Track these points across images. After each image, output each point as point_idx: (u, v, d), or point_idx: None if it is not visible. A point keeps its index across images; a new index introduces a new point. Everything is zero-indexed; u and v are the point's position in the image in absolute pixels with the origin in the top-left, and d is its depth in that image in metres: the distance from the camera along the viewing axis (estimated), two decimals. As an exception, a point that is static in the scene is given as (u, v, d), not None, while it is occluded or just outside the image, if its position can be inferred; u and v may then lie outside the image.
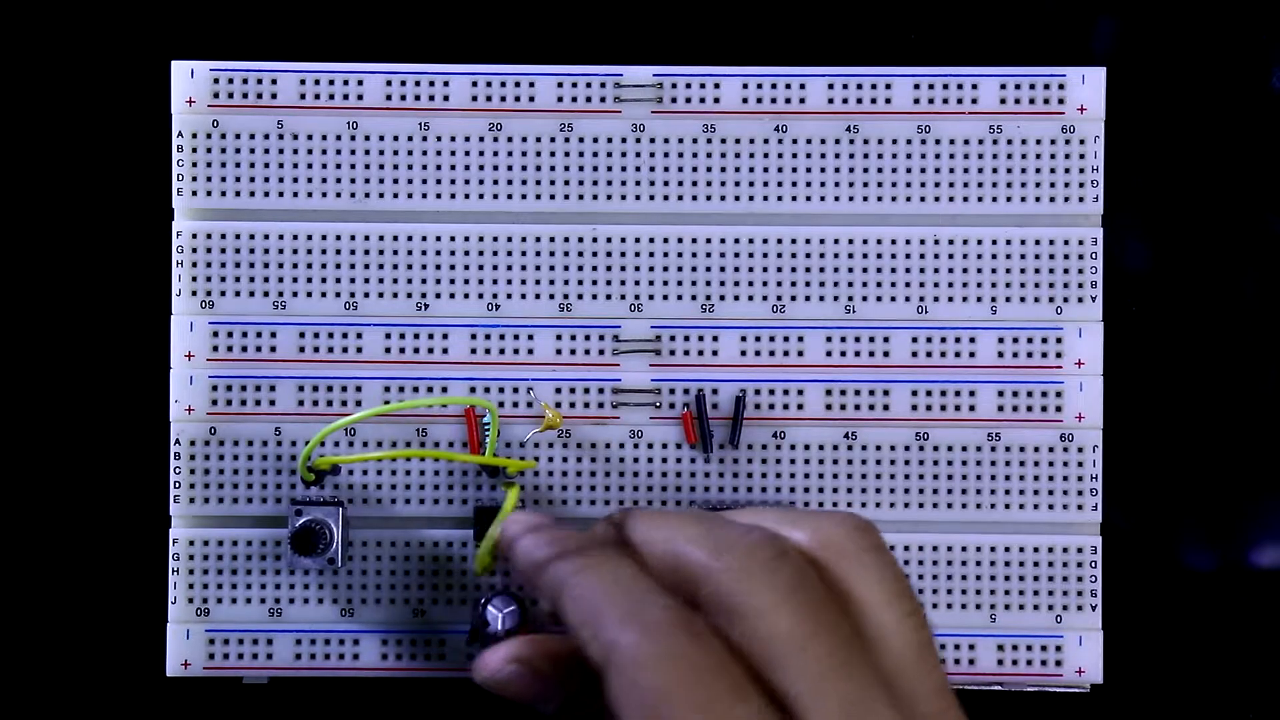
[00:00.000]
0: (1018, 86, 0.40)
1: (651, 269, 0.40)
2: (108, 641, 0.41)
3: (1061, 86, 0.40)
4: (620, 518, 0.33)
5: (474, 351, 0.39)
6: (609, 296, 0.40)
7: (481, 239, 0.39)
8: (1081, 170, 0.40)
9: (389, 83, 0.39)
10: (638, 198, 0.40)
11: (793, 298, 0.40)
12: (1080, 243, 0.40)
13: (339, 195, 0.39)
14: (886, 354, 0.40)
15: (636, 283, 0.40)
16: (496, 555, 0.36)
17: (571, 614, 0.31)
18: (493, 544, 0.36)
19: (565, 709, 0.34)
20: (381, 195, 0.39)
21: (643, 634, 0.29)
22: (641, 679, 0.29)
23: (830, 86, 0.40)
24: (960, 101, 0.40)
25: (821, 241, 0.40)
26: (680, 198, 0.40)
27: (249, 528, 0.39)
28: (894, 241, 0.40)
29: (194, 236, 0.39)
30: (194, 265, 0.39)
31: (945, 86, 0.40)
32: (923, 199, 0.40)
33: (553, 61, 0.40)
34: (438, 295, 0.39)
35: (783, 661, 0.29)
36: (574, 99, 0.40)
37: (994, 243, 0.40)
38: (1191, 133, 0.41)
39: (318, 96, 0.39)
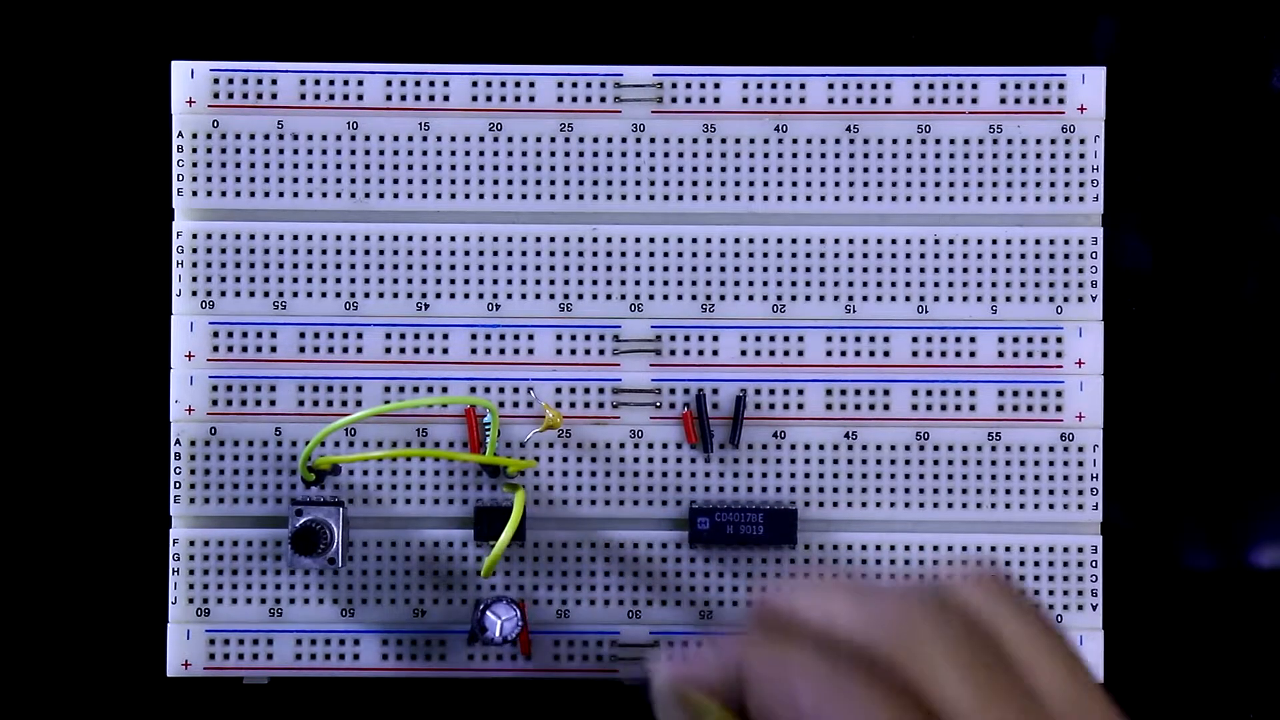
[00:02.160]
0: (1018, 86, 0.40)
1: (651, 269, 0.40)
2: (108, 641, 0.41)
3: (1061, 86, 0.40)
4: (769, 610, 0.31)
5: (474, 351, 0.39)
6: (609, 296, 0.40)
7: (481, 239, 0.39)
8: (1081, 170, 0.40)
9: (389, 83, 0.39)
10: (638, 198, 0.40)
11: (793, 298, 0.40)
12: (1080, 242, 0.40)
13: (339, 195, 0.39)
14: (886, 354, 0.40)
15: (636, 283, 0.40)
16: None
17: (758, 698, 0.29)
18: (502, 550, 0.37)
19: None
20: (381, 195, 0.39)
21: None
22: None
23: (830, 86, 0.40)
24: (960, 101, 0.40)
25: (821, 241, 0.40)
26: (680, 198, 0.40)
27: (249, 528, 0.39)
28: (894, 241, 0.40)
29: (194, 236, 0.39)
30: (194, 265, 0.39)
31: (945, 86, 0.40)
32: (923, 199, 0.40)
33: (553, 61, 0.40)
34: (438, 295, 0.39)
35: None
36: (574, 99, 0.40)
37: (994, 242, 0.40)
38: (1191, 133, 0.41)
39: (318, 96, 0.39)
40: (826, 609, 0.30)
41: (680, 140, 0.40)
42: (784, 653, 0.30)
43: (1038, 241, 0.40)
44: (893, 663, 0.29)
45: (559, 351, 0.40)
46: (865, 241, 0.40)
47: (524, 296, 0.39)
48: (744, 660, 0.30)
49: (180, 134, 0.39)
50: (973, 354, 0.40)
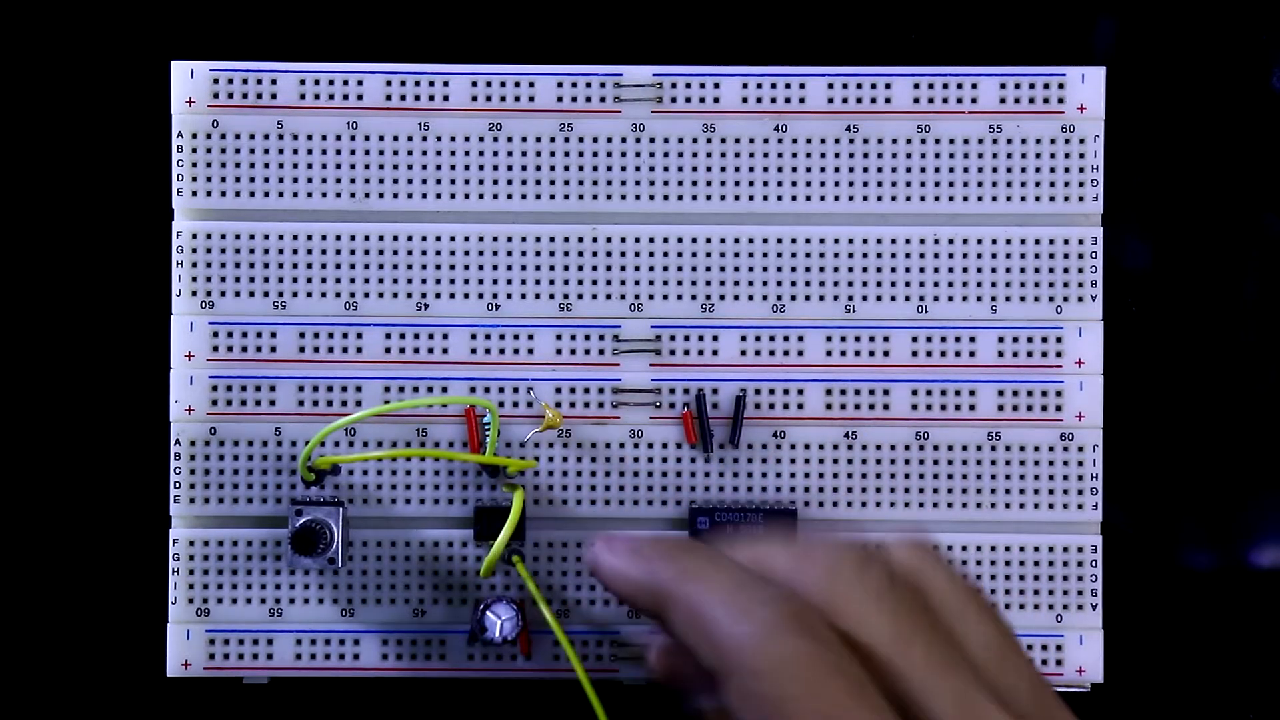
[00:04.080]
0: (1017, 86, 0.40)
1: (651, 269, 0.40)
2: (108, 641, 0.41)
3: (1061, 86, 0.40)
4: (691, 545, 0.32)
5: (474, 351, 0.39)
6: (609, 296, 0.40)
7: (481, 239, 0.39)
8: (1081, 170, 0.40)
9: (389, 83, 0.39)
10: (638, 198, 0.40)
11: (793, 297, 0.40)
12: (1080, 242, 0.40)
13: (339, 195, 0.39)
14: (886, 354, 0.40)
15: (636, 283, 0.40)
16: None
17: (679, 624, 0.30)
18: (501, 549, 0.37)
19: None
20: (381, 195, 0.39)
21: (756, 636, 0.28)
22: (754, 688, 0.28)
23: (830, 86, 0.40)
24: (960, 101, 0.40)
25: (821, 241, 0.40)
26: (680, 198, 0.40)
27: (249, 528, 0.39)
28: (894, 241, 0.40)
29: (194, 236, 0.39)
30: (194, 265, 0.39)
31: (945, 86, 0.40)
32: (923, 199, 0.40)
33: (553, 61, 0.40)
34: (438, 295, 0.39)
35: (889, 661, 0.29)
36: (574, 99, 0.40)
37: (994, 242, 0.40)
38: (1191, 133, 0.41)
39: (318, 96, 0.39)
40: (757, 551, 0.31)
41: (680, 140, 0.40)
42: (701, 564, 0.30)
43: (1037, 241, 0.40)
44: (815, 599, 0.29)
45: (559, 351, 0.40)
46: (865, 241, 0.40)
47: (524, 296, 0.39)
48: (666, 576, 0.30)
49: (180, 134, 0.39)
50: (972, 354, 0.40)
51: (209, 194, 0.39)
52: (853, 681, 0.28)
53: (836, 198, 0.40)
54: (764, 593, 0.29)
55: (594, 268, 0.40)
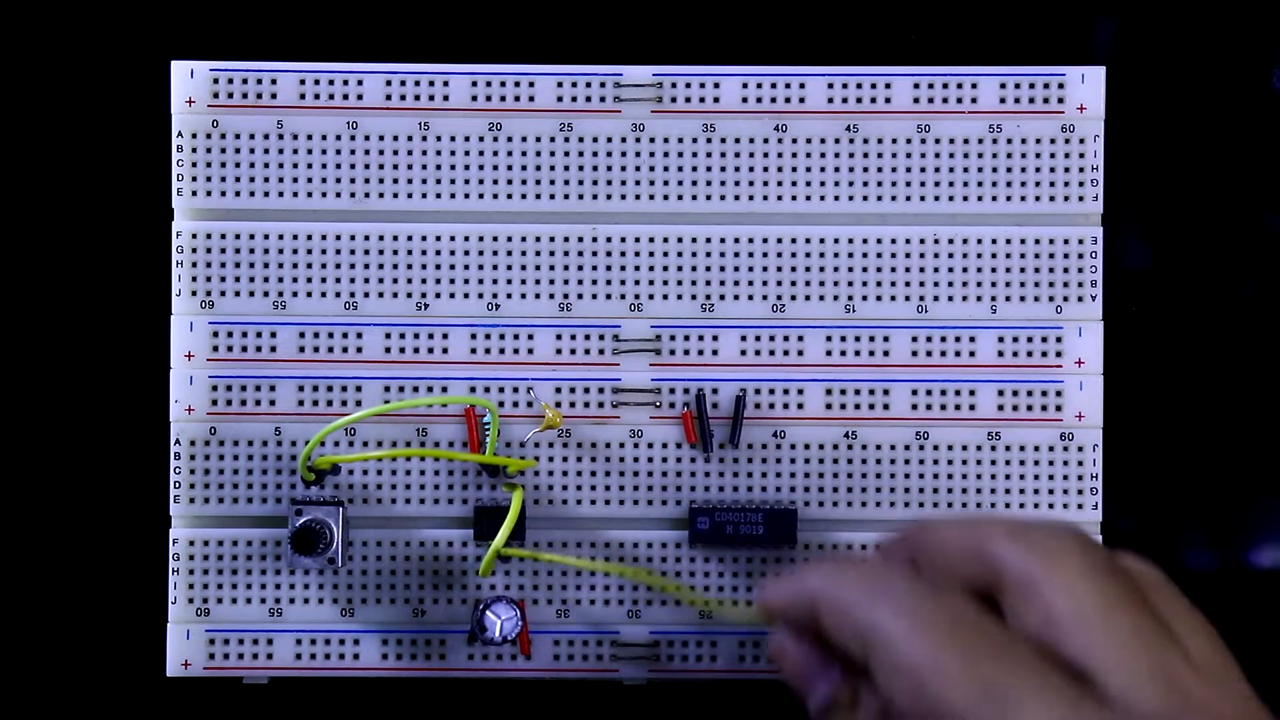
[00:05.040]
0: (1017, 86, 0.40)
1: (651, 269, 0.40)
2: (108, 641, 0.41)
3: (1061, 86, 0.40)
4: (907, 534, 0.32)
5: (474, 351, 0.39)
6: (609, 296, 0.40)
7: (481, 239, 0.39)
8: (1081, 170, 0.40)
9: (389, 83, 0.39)
10: (638, 197, 0.40)
11: (793, 297, 0.40)
12: (1080, 242, 0.40)
13: (339, 195, 0.39)
14: (886, 354, 0.40)
15: (636, 282, 0.40)
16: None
17: (827, 617, 0.30)
18: (499, 548, 0.37)
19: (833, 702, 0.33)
20: (381, 195, 0.39)
21: (895, 609, 0.28)
22: (901, 655, 0.28)
23: (830, 86, 0.40)
24: (960, 101, 0.40)
25: (821, 241, 0.40)
26: (680, 197, 0.40)
27: (249, 528, 0.39)
28: (894, 241, 0.40)
29: (194, 236, 0.39)
30: (194, 265, 0.39)
31: (945, 86, 0.40)
32: (922, 199, 0.40)
33: (553, 61, 0.40)
34: (438, 295, 0.39)
35: (1087, 632, 0.28)
36: (574, 99, 0.40)
37: (994, 242, 0.40)
38: (1191, 133, 0.41)
39: (318, 96, 0.39)
40: (966, 528, 0.30)
41: (680, 140, 0.40)
42: (849, 566, 0.30)
43: (1037, 241, 0.40)
44: (1020, 566, 0.29)
45: (559, 351, 0.40)
46: (865, 241, 0.40)
47: (524, 296, 0.39)
48: (824, 586, 0.30)
49: (180, 134, 0.39)
50: (972, 354, 0.40)
51: (209, 194, 0.39)
52: (1004, 641, 0.27)
53: (836, 198, 0.40)
54: (914, 583, 0.29)
55: (594, 267, 0.40)
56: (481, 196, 0.40)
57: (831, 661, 0.31)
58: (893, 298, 0.40)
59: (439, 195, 0.39)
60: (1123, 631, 0.28)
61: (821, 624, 0.30)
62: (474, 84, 0.39)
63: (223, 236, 0.39)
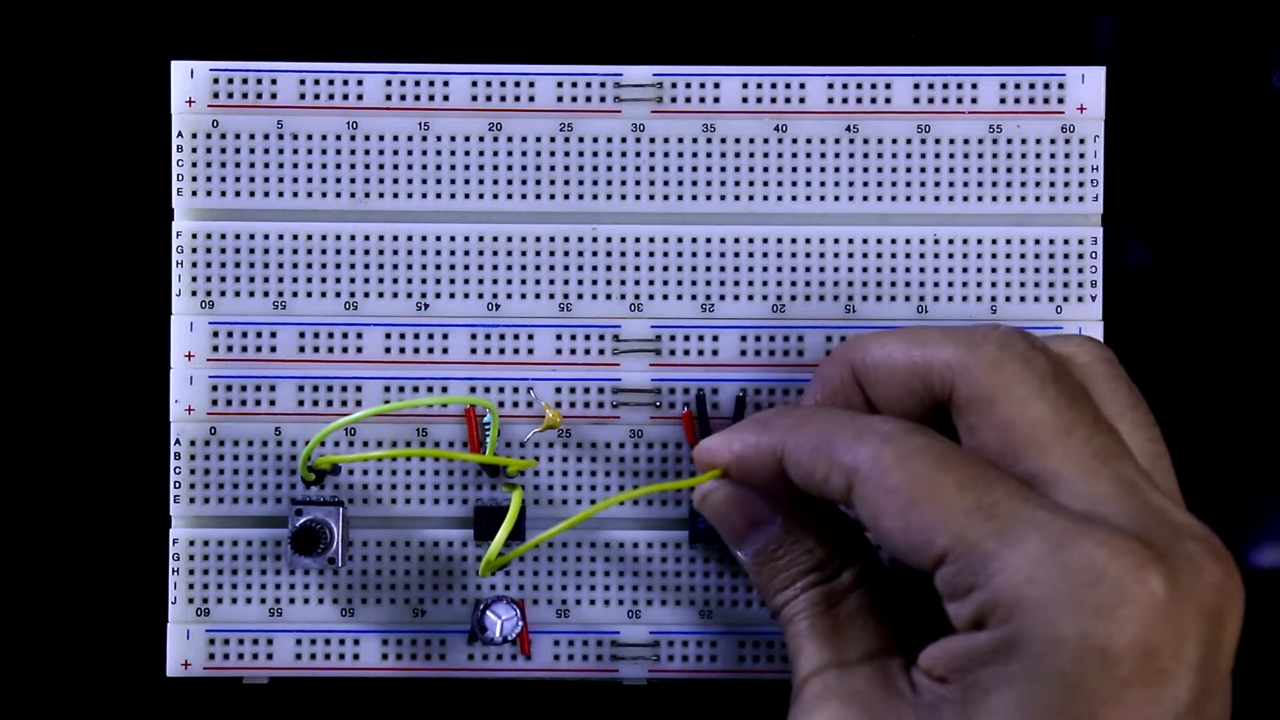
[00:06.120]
0: (1017, 86, 0.40)
1: (651, 269, 0.40)
2: (108, 641, 0.41)
3: (1061, 86, 0.40)
4: (845, 350, 0.34)
5: (474, 351, 0.39)
6: (609, 296, 0.40)
7: (481, 239, 0.39)
8: (1081, 170, 0.40)
9: (389, 83, 0.39)
10: (638, 198, 0.40)
11: (793, 297, 0.40)
12: (1080, 242, 0.40)
13: (339, 195, 0.39)
14: (886, 354, 0.39)
15: (636, 283, 0.40)
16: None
17: (798, 465, 0.32)
18: (499, 548, 0.37)
19: (771, 544, 0.34)
20: (381, 195, 0.39)
21: (881, 442, 0.30)
22: (891, 479, 0.29)
23: (830, 86, 0.40)
24: (960, 101, 0.40)
25: (821, 241, 0.40)
26: (680, 197, 0.40)
27: (249, 528, 0.39)
28: (894, 241, 0.40)
29: (194, 236, 0.39)
30: (194, 265, 0.39)
31: (945, 86, 0.40)
32: (923, 199, 0.40)
33: (553, 61, 0.40)
34: (438, 295, 0.39)
35: (1046, 447, 0.30)
36: (574, 99, 0.40)
37: (994, 242, 0.40)
38: (1191, 133, 0.41)
39: (318, 96, 0.39)
40: (924, 338, 0.33)
41: (680, 140, 0.40)
42: (812, 412, 0.33)
43: (1037, 241, 0.40)
44: (975, 381, 0.31)
45: (559, 351, 0.40)
46: (865, 241, 0.40)
47: (524, 296, 0.39)
48: (793, 435, 0.33)
49: (180, 134, 0.39)
50: (973, 354, 0.40)
51: (209, 194, 0.39)
52: (982, 463, 0.29)
53: (836, 198, 0.40)
54: (881, 419, 0.31)
55: (594, 268, 0.40)
56: (481, 196, 0.40)
57: (773, 513, 0.32)
58: (893, 298, 0.40)
59: (439, 195, 0.39)
60: (1081, 452, 0.30)
61: (789, 471, 0.32)
62: (474, 84, 0.39)
63: (223, 236, 0.39)
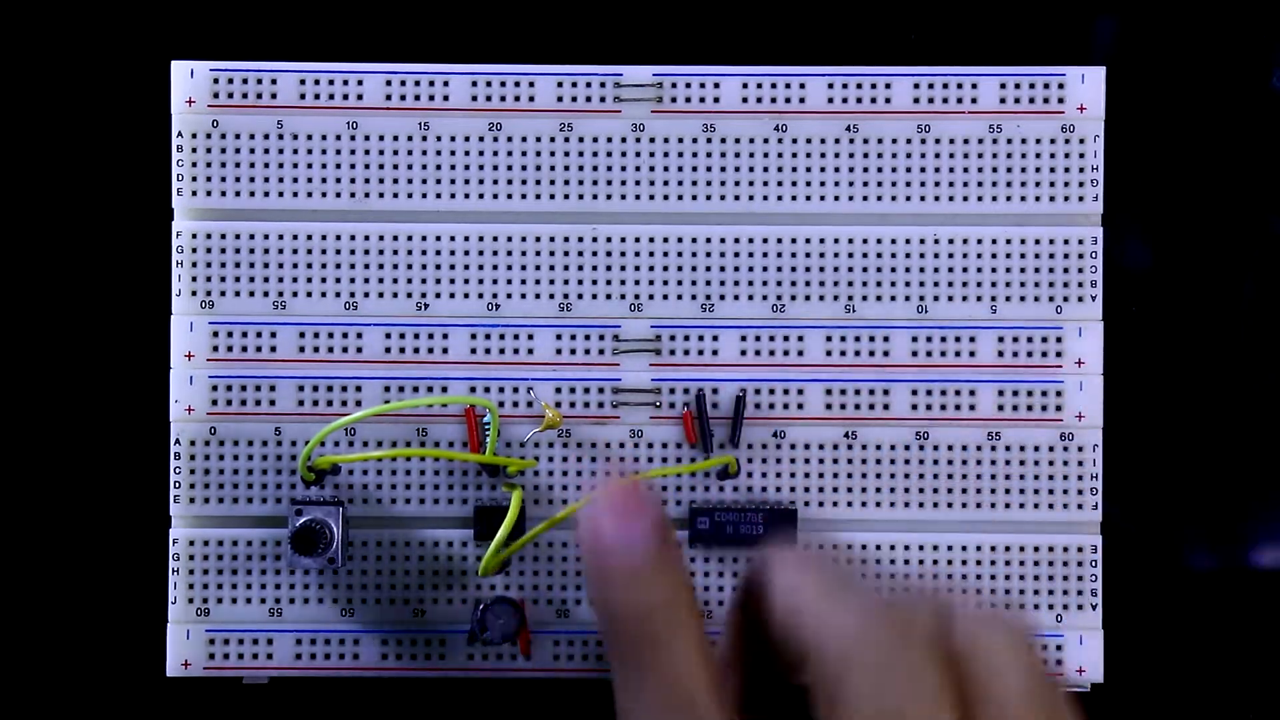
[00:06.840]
0: (1017, 86, 0.40)
1: (651, 269, 0.40)
2: (108, 641, 0.41)
3: (1061, 86, 0.40)
4: (761, 567, 0.31)
5: (474, 351, 0.39)
6: (609, 296, 0.40)
7: (481, 239, 0.39)
8: (1081, 170, 0.40)
9: (389, 83, 0.39)
10: (638, 197, 0.40)
11: (793, 297, 0.40)
12: (1080, 242, 0.40)
13: (339, 195, 0.39)
14: (886, 353, 0.40)
15: (636, 282, 0.40)
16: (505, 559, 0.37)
17: (779, 605, 0.29)
18: (498, 548, 0.37)
19: None
20: (381, 195, 0.39)
21: (858, 620, 0.28)
22: (861, 657, 0.27)
23: (830, 86, 0.40)
24: (960, 101, 0.40)
25: (821, 241, 0.40)
26: (680, 197, 0.40)
27: (249, 528, 0.39)
28: (894, 241, 0.40)
29: (194, 236, 0.39)
30: (194, 265, 0.39)
31: (945, 86, 0.40)
32: (923, 198, 0.40)
33: (553, 61, 0.40)
34: (438, 295, 0.39)
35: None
36: (574, 99, 0.40)
37: (994, 242, 0.40)
38: (1191, 133, 0.41)
39: (318, 96, 0.39)
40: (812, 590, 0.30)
41: (680, 140, 0.40)
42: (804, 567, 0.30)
43: (1037, 241, 0.40)
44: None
45: (559, 351, 0.40)
46: (865, 241, 0.40)
47: (524, 296, 0.39)
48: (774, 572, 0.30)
49: (180, 134, 0.39)
50: (972, 354, 0.40)
51: (209, 194, 0.39)
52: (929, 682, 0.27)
53: (836, 198, 0.40)
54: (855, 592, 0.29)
55: (594, 268, 0.40)
56: (481, 196, 0.40)
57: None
58: (893, 298, 0.40)
59: (439, 195, 0.39)
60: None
61: (767, 601, 0.30)
62: (474, 84, 0.39)
63: (223, 236, 0.39)
